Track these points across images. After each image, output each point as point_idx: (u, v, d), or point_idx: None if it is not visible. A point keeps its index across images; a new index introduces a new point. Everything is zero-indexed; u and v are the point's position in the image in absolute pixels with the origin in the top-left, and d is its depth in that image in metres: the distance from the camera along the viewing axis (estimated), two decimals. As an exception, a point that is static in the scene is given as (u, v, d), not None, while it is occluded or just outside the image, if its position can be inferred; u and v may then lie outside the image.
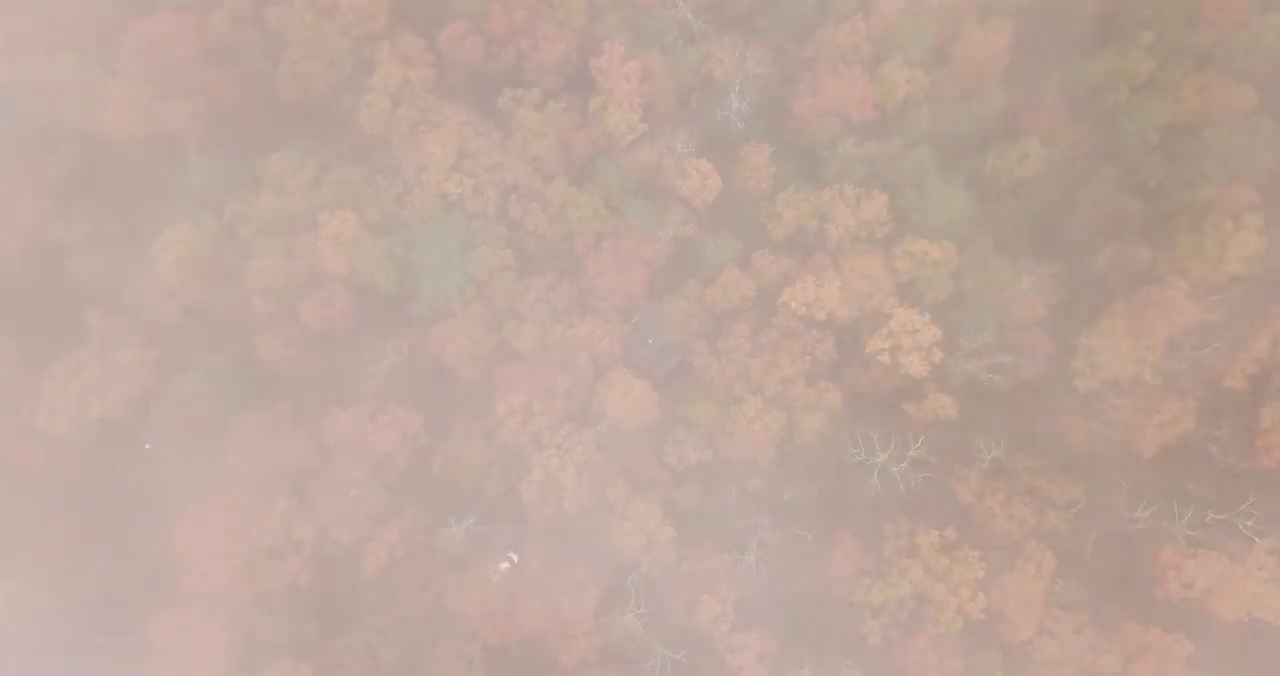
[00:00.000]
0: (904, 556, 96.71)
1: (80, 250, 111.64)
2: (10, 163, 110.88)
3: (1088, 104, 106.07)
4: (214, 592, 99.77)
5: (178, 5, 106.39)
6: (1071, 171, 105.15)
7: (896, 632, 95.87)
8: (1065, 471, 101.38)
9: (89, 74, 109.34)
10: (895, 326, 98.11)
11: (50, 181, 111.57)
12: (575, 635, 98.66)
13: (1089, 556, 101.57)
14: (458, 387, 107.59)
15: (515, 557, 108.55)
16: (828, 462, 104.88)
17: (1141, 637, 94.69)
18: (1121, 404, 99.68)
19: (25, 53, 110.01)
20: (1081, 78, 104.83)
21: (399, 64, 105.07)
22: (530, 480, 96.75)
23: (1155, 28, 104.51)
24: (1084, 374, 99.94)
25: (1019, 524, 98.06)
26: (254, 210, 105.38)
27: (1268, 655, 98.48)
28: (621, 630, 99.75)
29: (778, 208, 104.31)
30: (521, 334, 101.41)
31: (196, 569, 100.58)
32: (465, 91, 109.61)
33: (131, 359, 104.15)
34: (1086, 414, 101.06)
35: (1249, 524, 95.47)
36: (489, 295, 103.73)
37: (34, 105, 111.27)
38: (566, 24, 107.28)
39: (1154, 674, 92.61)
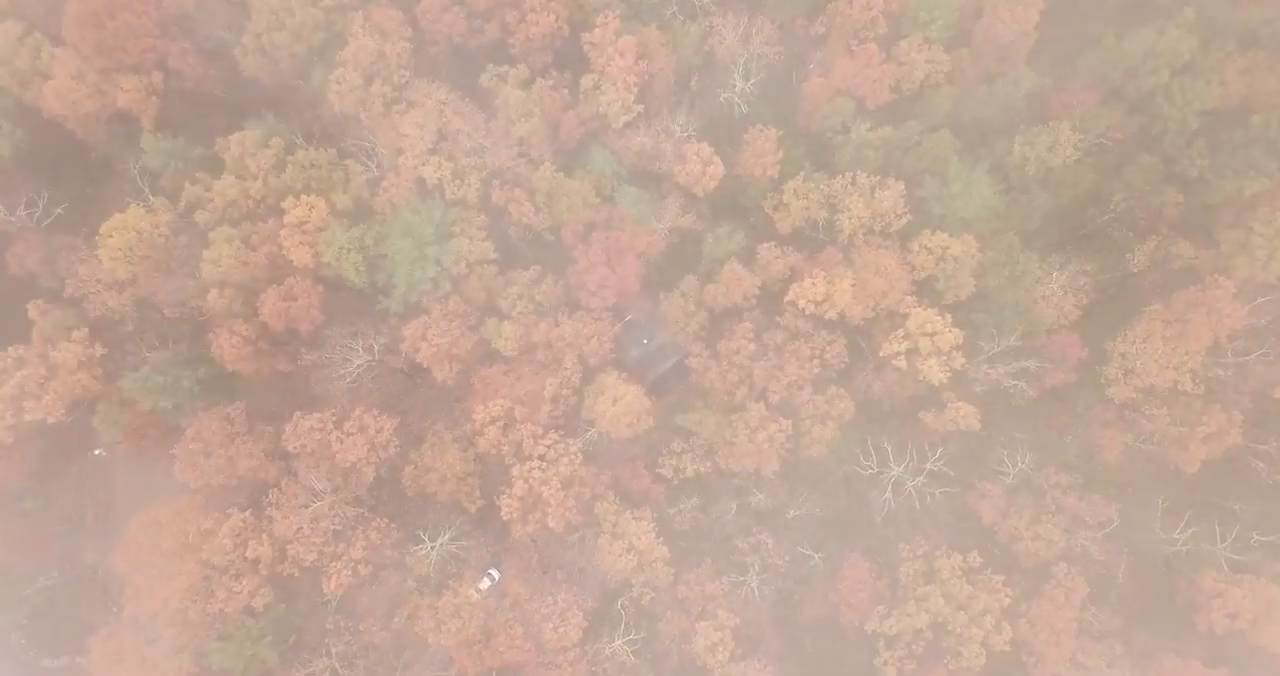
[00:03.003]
0: (922, 582, 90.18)
1: (22, 237, 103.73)
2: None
3: (1123, 87, 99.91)
4: (162, 614, 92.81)
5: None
6: (1105, 160, 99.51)
7: (913, 665, 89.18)
8: (1098, 488, 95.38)
9: (35, 44, 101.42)
10: (913, 328, 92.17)
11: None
12: (559, 663, 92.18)
13: (1122, 581, 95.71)
14: (433, 391, 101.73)
15: (497, 575, 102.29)
16: (837, 476, 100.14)
17: (1181, 673, 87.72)
18: (1159, 414, 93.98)
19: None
20: (1116, 58, 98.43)
21: (373, 37, 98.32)
22: (510, 494, 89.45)
23: (1196, 4, 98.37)
24: (1117, 381, 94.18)
25: (1047, 545, 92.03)
26: (212, 194, 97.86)
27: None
28: (610, 659, 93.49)
29: (785, 197, 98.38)
30: (503, 333, 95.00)
31: (143, 588, 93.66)
32: (445, 68, 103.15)
33: (74, 356, 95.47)
34: (1121, 425, 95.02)
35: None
36: (467, 290, 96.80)
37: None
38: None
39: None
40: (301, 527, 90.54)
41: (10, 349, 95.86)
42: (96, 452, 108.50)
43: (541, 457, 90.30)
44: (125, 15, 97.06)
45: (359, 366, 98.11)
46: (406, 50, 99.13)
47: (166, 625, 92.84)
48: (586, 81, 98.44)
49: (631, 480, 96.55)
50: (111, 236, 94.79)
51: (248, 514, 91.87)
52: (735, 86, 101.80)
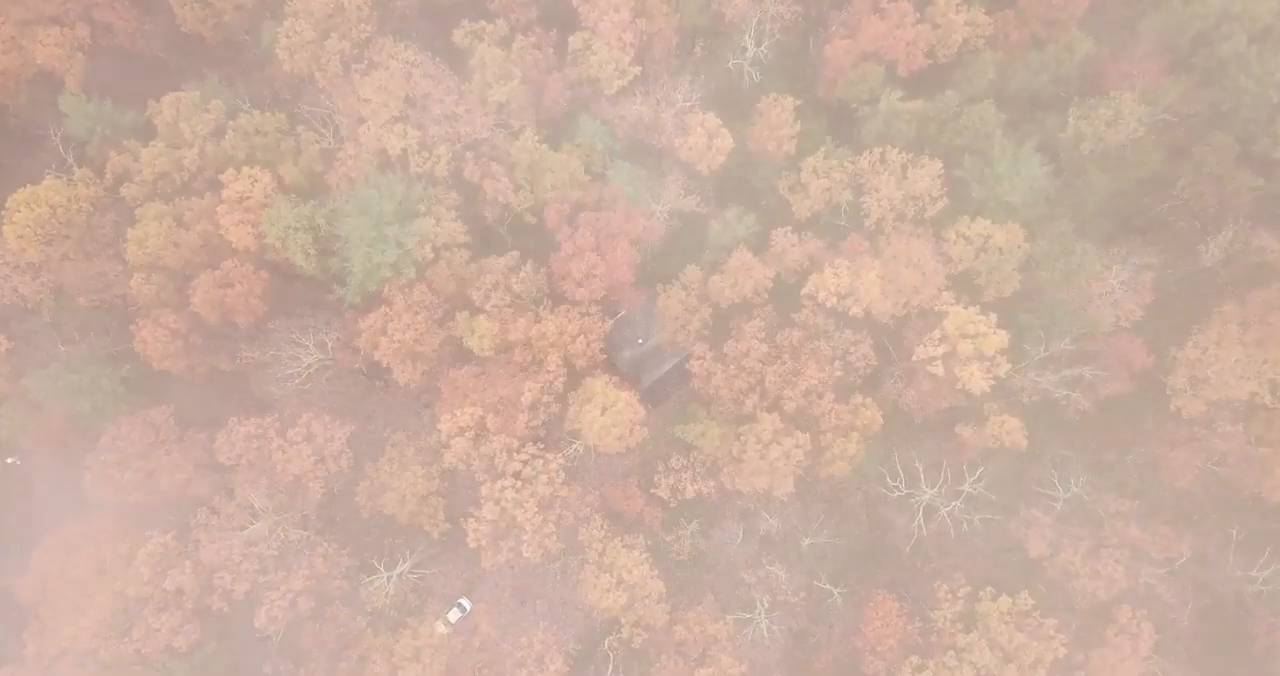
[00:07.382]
0: (962, 628, 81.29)
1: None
2: None
3: (1191, 56, 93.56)
4: (70, 653, 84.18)
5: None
6: (1170, 138, 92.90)
7: (951, 726, 79.26)
8: (1164, 516, 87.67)
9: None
10: (951, 328, 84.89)
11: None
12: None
13: (1191, 624, 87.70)
14: (394, 396, 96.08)
15: (468, 605, 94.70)
16: (859, 499, 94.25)
17: (1264, 734, 76.55)
18: (1234, 432, 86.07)
19: None
20: (1184, 22, 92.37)
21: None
22: (478, 519, 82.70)
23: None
24: (1184, 393, 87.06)
25: (1106, 584, 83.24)
26: (141, 164, 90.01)
27: None
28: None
29: (802, 176, 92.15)
30: (475, 329, 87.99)
31: (49, 622, 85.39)
32: (414, 23, 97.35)
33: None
34: (1191, 445, 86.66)
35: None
36: (434, 278, 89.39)
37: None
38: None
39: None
40: (234, 552, 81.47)
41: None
42: (9, 461, 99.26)
43: (517, 475, 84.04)
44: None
45: (309, 366, 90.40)
46: (369, 2, 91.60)
47: (76, 666, 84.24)
48: (576, 40, 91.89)
49: (622, 501, 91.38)
50: (19, 211, 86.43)
51: (169, 537, 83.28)
52: (746, 52, 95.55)
